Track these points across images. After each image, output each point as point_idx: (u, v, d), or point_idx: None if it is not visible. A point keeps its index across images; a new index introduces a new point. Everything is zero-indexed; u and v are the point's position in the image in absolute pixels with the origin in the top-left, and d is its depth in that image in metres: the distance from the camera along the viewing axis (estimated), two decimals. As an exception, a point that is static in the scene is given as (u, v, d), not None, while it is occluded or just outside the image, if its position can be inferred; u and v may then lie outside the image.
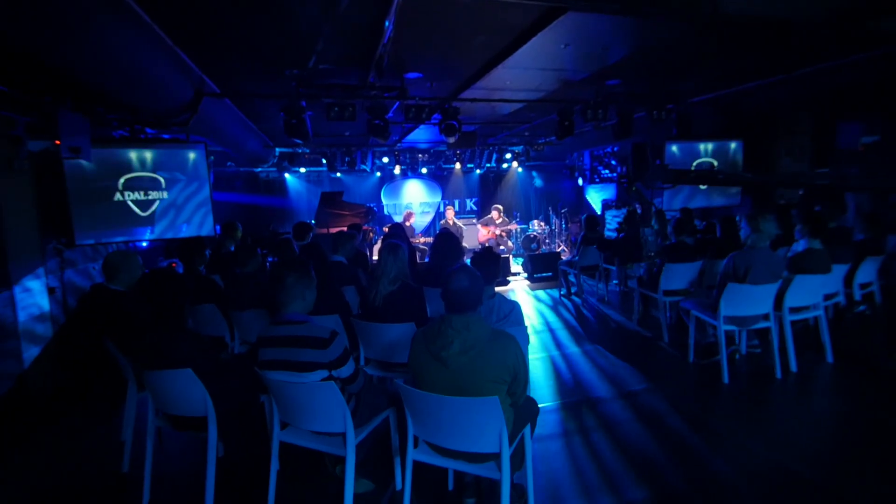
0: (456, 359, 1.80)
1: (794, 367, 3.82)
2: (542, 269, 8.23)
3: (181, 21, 3.44)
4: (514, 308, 2.62)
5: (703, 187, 8.81)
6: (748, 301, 3.65)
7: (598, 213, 12.87)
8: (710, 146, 8.71)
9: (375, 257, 7.45)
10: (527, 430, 2.10)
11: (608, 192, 12.72)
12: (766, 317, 3.79)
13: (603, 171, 12.77)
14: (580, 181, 13.04)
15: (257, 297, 3.31)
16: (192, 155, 6.31)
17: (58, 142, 3.28)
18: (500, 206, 9.77)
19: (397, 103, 5.64)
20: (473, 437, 1.84)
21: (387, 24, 3.41)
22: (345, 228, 9.22)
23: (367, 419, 2.24)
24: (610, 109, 6.09)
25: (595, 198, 13.06)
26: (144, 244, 7.80)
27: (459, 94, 5.65)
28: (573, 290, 6.85)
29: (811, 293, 3.89)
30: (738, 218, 5.16)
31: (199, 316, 3.43)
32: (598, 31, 3.97)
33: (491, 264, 2.61)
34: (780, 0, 3.71)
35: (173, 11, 3.26)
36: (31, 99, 3.33)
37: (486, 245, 9.45)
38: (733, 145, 8.82)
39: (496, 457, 1.90)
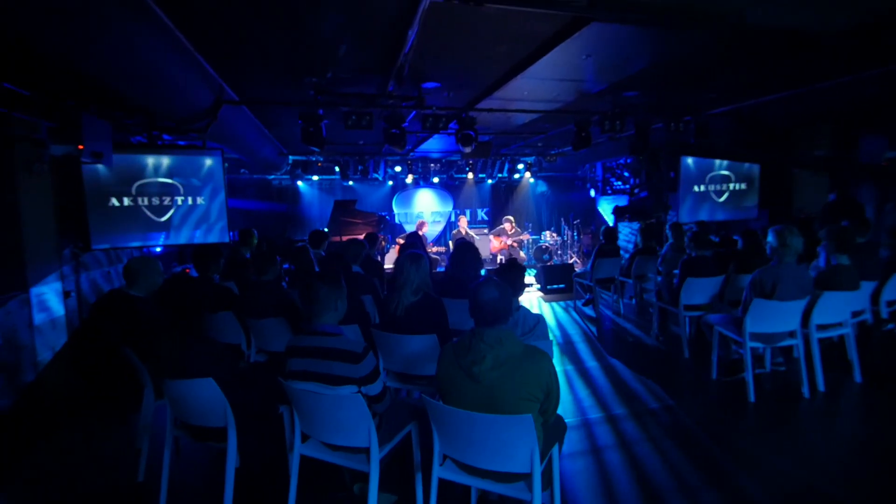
0: (488, 374, 1.74)
1: (821, 386, 3.71)
2: (555, 280, 8.15)
3: (204, 28, 3.45)
4: (539, 321, 2.56)
5: (719, 200, 8.72)
6: (776, 317, 3.55)
7: (612, 224, 12.80)
8: (725, 160, 8.64)
9: (388, 266, 7.45)
10: (555, 449, 2.03)
11: (621, 203, 12.63)
12: (792, 334, 3.69)
13: (615, 183, 12.70)
14: (592, 193, 12.97)
15: (275, 305, 3.27)
16: (208, 161, 6.35)
17: (81, 146, 3.29)
18: (512, 218, 9.73)
19: (414, 112, 5.64)
20: (504, 456, 1.77)
21: (410, 33, 3.40)
22: (359, 236, 9.28)
23: (390, 434, 2.18)
24: (627, 121, 6.04)
25: (607, 209, 12.97)
26: (158, 249, 7.85)
27: (476, 104, 5.63)
28: (587, 297, 6.76)
29: (839, 310, 3.78)
30: (759, 231, 5.07)
31: (215, 324, 3.39)
32: (621, 41, 3.94)
33: (517, 276, 2.55)
34: (806, 12, 3.65)
35: (197, 18, 3.27)
36: (54, 103, 3.34)
37: (510, 256, 9.39)
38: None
39: (526, 477, 1.83)
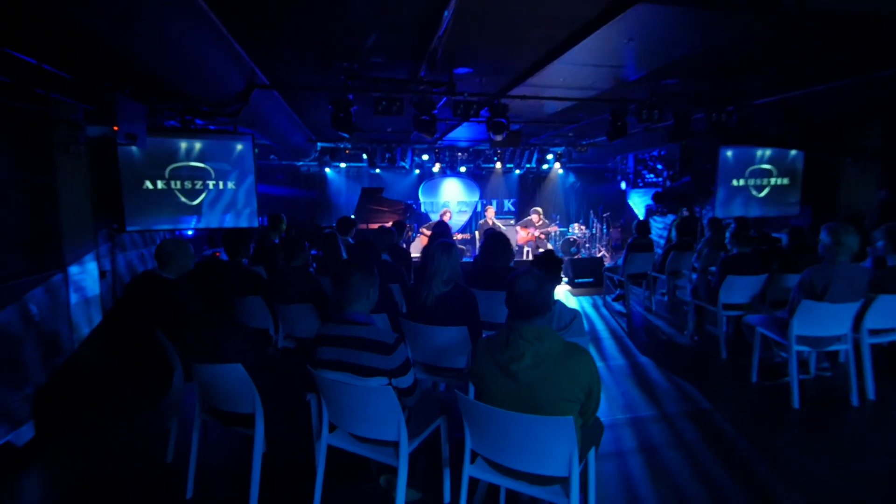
0: (527, 373, 1.65)
1: (871, 394, 3.49)
2: (584, 274, 7.97)
3: (238, 11, 3.41)
4: (576, 317, 2.45)
5: (759, 195, 8.34)
6: (825, 320, 3.35)
7: (642, 218, 12.45)
8: (767, 152, 8.23)
9: (414, 255, 7.41)
10: (592, 452, 1.93)
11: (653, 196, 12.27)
12: (841, 338, 3.47)
13: (647, 176, 12.33)
14: (623, 185, 12.63)
15: (303, 291, 3.25)
16: (239, 146, 6.38)
17: (116, 128, 3.31)
18: (540, 209, 9.53)
19: (444, 99, 5.52)
20: (541, 458, 1.69)
21: (445, 14, 3.28)
22: (387, 224, 9.26)
23: (419, 428, 2.12)
24: (665, 110, 5.79)
25: (638, 202, 12.62)
26: (190, 233, 7.99)
27: (509, 90, 5.48)
28: (618, 291, 6.57)
29: (894, 314, 3.54)
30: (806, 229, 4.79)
31: (244, 308, 3.39)
32: (667, 25, 3.73)
33: (553, 268, 2.44)
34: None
35: (231, 1, 3.23)
36: (90, 84, 3.36)
37: (537, 248, 9.24)
38: (793, 153, 8.31)
39: (562, 480, 1.74)
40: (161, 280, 2.76)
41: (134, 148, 5.72)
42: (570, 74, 4.92)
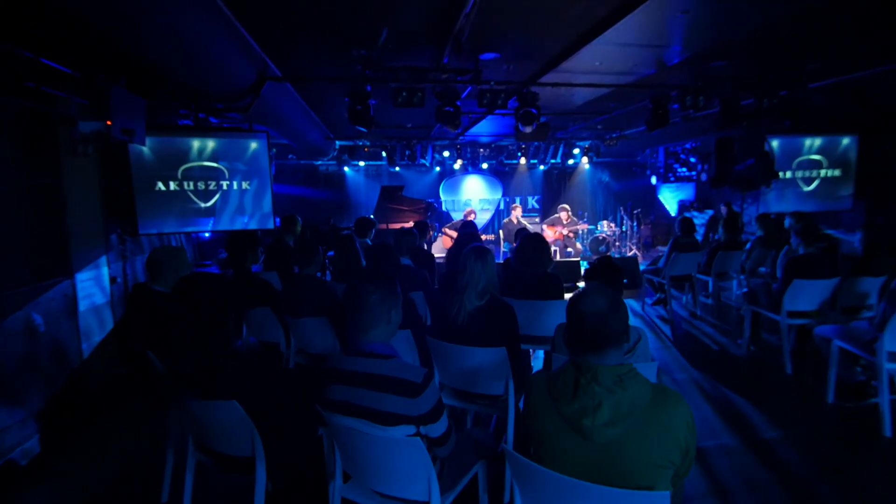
0: (604, 431, 1.23)
1: (979, 421, 2.96)
2: (619, 275, 7.46)
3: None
4: (640, 337, 2.03)
5: (807, 188, 7.69)
6: (926, 335, 2.84)
7: (674, 214, 11.81)
8: (816, 142, 7.58)
9: (437, 255, 7.02)
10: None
11: (685, 191, 11.64)
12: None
13: (679, 170, 11.69)
14: (653, 180, 12.01)
15: (317, 302, 2.90)
16: (253, 145, 6.11)
17: (109, 122, 3.01)
18: (568, 206, 9.04)
19: (469, 89, 5.11)
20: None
21: (474, -14, 2.88)
22: (408, 224, 8.89)
23: (453, 481, 1.72)
24: (711, 96, 5.27)
25: (669, 198, 12.01)
26: (207, 235, 7.77)
27: (538, 78, 5.03)
28: (658, 295, 6.06)
29: None
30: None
31: (252, 320, 3.06)
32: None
33: (613, 278, 2.02)
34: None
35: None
36: (83, 76, 3.07)
37: (565, 248, 8.75)
38: (846, 140, 7.64)
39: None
40: (153, 294, 2.43)
41: (145, 148, 5.50)
42: (608, 57, 4.45)
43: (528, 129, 5.06)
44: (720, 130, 5.45)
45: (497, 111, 5.76)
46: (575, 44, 4.14)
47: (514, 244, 4.68)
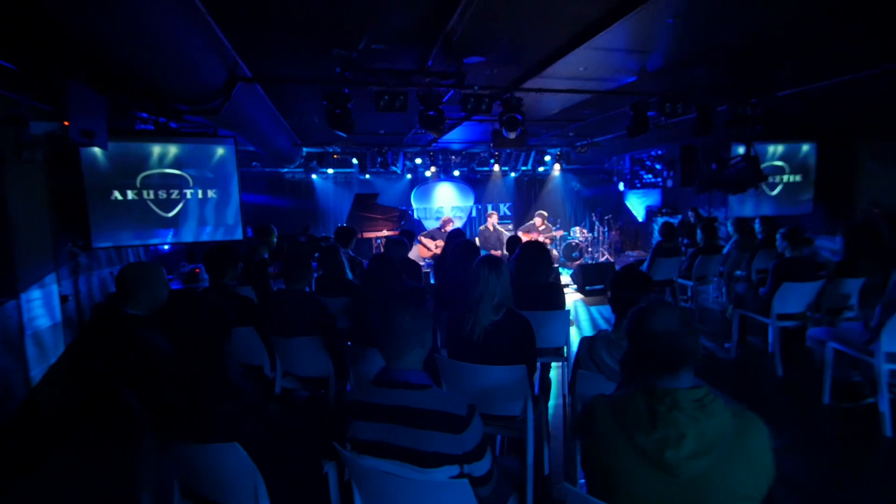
0: (690, 464, 1.09)
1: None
2: (594, 280, 7.49)
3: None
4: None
5: (771, 193, 7.98)
6: (924, 335, 2.88)
7: (641, 219, 12.08)
8: (779, 148, 7.88)
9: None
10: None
11: (651, 197, 11.92)
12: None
13: (645, 176, 11.99)
14: (622, 186, 12.26)
15: (308, 319, 2.65)
16: (220, 150, 5.75)
17: (66, 122, 2.66)
18: (545, 213, 9.04)
19: (450, 94, 4.98)
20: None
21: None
22: (381, 233, 8.61)
23: (493, 521, 1.54)
24: (689, 103, 5.35)
25: (636, 203, 12.27)
26: (166, 247, 7.26)
27: (521, 83, 4.95)
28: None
29: None
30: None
31: (233, 341, 2.77)
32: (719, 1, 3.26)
33: (646, 287, 1.90)
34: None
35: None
36: (35, 71, 2.70)
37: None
38: (805, 147, 7.99)
39: None
40: (125, 318, 2.09)
41: (99, 154, 5.07)
42: (595, 62, 4.41)
43: (513, 135, 4.96)
44: (696, 136, 5.58)
45: (473, 117, 5.67)
46: (563, 48, 4.07)
47: (506, 253, 4.54)
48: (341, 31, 3.62)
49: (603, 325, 5.67)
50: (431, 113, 4.54)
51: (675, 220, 9.92)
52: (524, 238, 8.88)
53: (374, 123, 7.44)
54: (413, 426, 1.35)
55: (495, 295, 2.12)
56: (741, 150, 7.75)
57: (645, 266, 5.77)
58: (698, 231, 5.87)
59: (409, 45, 3.92)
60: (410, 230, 4.94)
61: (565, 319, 2.96)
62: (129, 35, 2.73)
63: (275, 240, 4.58)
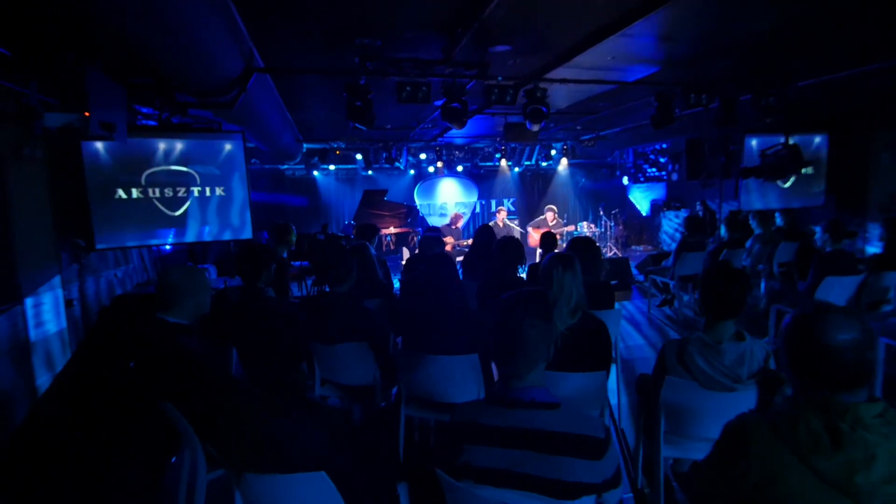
0: (885, 489, 0.94)
1: None
2: (609, 276, 7.35)
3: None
4: (768, 354, 1.77)
5: (784, 185, 7.92)
6: None
7: (645, 213, 12.02)
8: (791, 140, 7.83)
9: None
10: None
11: (656, 191, 11.84)
12: None
13: (649, 170, 11.92)
14: (625, 180, 12.18)
15: (353, 324, 2.46)
16: (227, 146, 5.53)
17: (87, 113, 2.42)
18: (555, 207, 8.91)
19: (471, 84, 4.79)
20: None
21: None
22: (388, 230, 8.41)
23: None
24: (714, 94, 5.23)
25: (640, 198, 12.20)
26: (168, 248, 7.02)
27: (545, 73, 4.78)
28: (664, 297, 5.96)
29: None
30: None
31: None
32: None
33: (737, 287, 1.75)
34: None
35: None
36: (48, 57, 2.46)
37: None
38: (817, 139, 7.94)
39: None
40: (169, 329, 1.87)
41: (102, 151, 4.83)
42: (624, 51, 4.25)
43: (536, 127, 4.81)
44: (720, 127, 5.49)
45: (486, 111, 5.49)
46: (597, 34, 3.90)
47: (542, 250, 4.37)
48: (370, 17, 3.42)
49: (624, 324, 5.54)
50: (455, 105, 4.36)
51: (683, 214, 9.86)
52: (534, 233, 8.75)
53: (381, 118, 7.24)
54: (545, 452, 1.17)
55: (572, 297, 1.96)
56: (754, 142, 7.70)
57: (670, 261, 5.65)
58: (722, 226, 5.74)
59: (437, 34, 3.73)
60: (437, 229, 4.74)
61: (617, 319, 2.82)
62: (148, 17, 2.51)
63: (294, 239, 4.37)
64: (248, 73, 3.88)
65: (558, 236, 8.81)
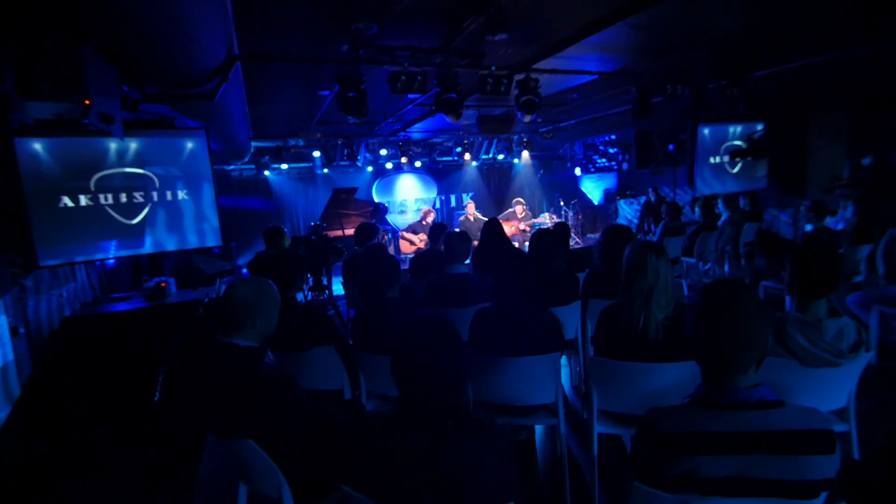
0: None
1: None
2: (581, 266, 7.49)
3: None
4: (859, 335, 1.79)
5: (733, 171, 8.48)
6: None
7: (597, 202, 12.46)
8: (738, 129, 8.39)
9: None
10: None
11: (607, 181, 12.30)
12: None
13: (599, 161, 12.36)
14: (578, 171, 12.57)
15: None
16: (189, 144, 5.00)
17: (87, 101, 1.99)
18: (522, 200, 8.97)
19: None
20: None
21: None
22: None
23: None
24: (686, 84, 5.45)
25: (591, 188, 12.62)
26: (112, 261, 6.23)
27: (534, 63, 4.72)
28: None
29: None
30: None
31: (311, 362, 2.31)
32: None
33: (833, 268, 1.75)
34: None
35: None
36: (30, 31, 1.99)
37: (524, 243, 8.61)
38: (759, 127, 8.57)
39: None
40: (239, 353, 1.54)
41: (41, 151, 4.21)
42: (615, 41, 4.28)
43: (528, 118, 4.74)
44: (691, 118, 5.75)
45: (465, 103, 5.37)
46: (592, 25, 3.90)
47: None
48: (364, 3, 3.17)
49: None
50: (452, 96, 4.19)
51: (639, 201, 10.30)
52: (504, 227, 8.74)
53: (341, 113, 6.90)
54: (783, 453, 1.08)
55: (669, 285, 1.89)
56: (707, 131, 8.16)
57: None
58: (697, 209, 6.01)
59: (439, 21, 3.54)
60: (443, 225, 4.55)
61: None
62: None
63: (288, 243, 4.01)
64: (230, 61, 3.48)
65: (528, 228, 8.90)
